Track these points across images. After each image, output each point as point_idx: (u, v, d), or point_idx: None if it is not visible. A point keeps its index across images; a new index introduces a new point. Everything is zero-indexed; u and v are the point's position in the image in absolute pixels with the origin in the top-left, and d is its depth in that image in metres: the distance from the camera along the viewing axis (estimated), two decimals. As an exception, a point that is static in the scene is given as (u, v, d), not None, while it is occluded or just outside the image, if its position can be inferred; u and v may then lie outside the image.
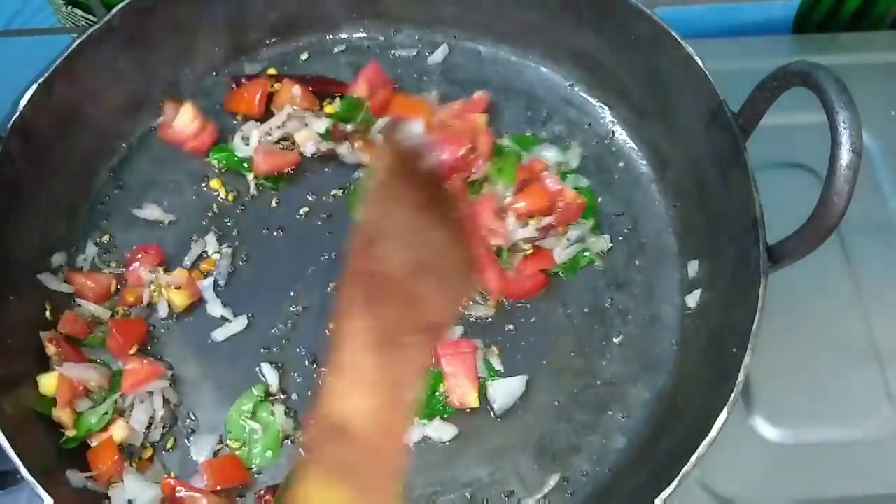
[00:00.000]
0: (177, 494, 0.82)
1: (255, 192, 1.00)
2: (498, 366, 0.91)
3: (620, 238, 0.98)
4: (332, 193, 1.00)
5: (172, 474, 0.85)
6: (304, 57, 1.10)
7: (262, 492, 0.85)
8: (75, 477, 0.82)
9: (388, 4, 1.09)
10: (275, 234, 0.98)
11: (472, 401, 0.88)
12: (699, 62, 0.90)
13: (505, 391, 0.89)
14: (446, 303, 0.61)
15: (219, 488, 0.84)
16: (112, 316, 0.92)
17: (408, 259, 0.58)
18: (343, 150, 1.01)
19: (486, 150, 0.98)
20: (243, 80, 1.05)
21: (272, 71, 1.07)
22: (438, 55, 1.09)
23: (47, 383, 0.85)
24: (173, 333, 0.93)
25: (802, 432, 0.91)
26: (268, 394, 0.89)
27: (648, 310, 0.94)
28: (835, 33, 1.20)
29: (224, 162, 1.02)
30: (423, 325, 0.58)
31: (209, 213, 0.99)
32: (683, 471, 0.74)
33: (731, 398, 0.75)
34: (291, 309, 0.93)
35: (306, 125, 1.02)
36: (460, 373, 0.88)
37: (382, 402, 0.53)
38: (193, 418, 0.88)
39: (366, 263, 0.58)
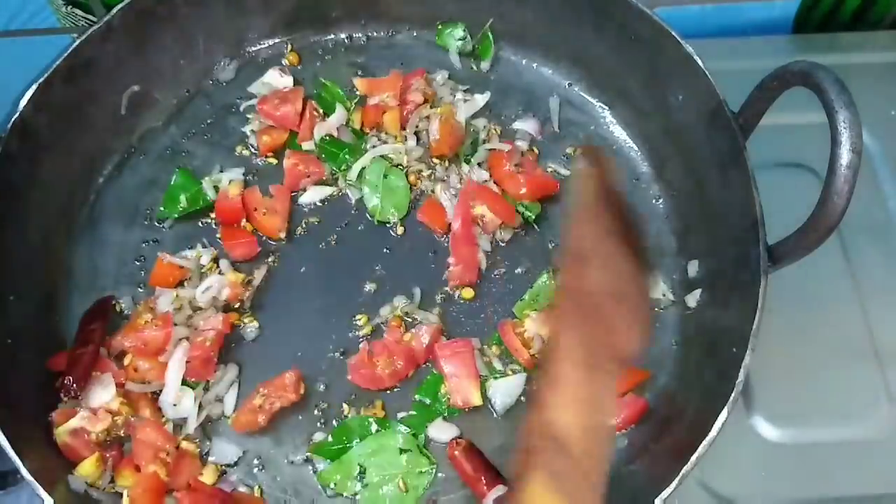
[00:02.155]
0: None
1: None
2: (498, 365, 0.91)
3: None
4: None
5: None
6: (303, 57, 1.10)
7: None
8: (76, 482, 0.82)
9: (388, 4, 1.09)
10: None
11: (476, 399, 0.88)
12: (699, 62, 0.90)
13: (505, 390, 0.89)
14: (635, 335, 0.62)
15: None
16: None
17: (609, 284, 0.60)
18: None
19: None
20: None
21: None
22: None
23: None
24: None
25: (802, 432, 0.91)
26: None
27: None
28: (835, 33, 1.20)
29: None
30: (617, 355, 0.59)
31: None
32: (683, 471, 0.74)
33: (731, 398, 0.75)
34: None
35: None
36: (461, 372, 0.89)
37: (590, 422, 0.55)
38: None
39: (575, 281, 0.60)
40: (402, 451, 0.86)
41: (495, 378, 0.90)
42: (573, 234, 0.63)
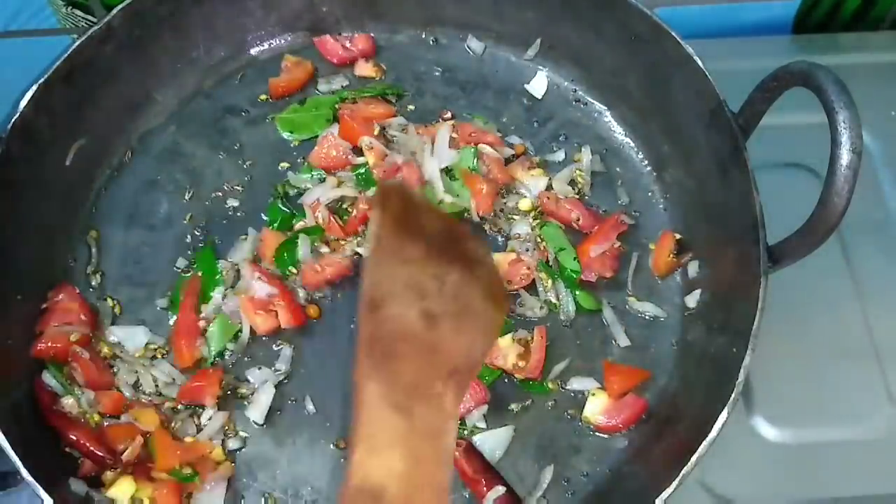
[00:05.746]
0: None
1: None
2: (480, 422, 0.88)
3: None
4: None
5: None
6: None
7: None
8: (77, 485, 0.82)
9: (388, 5, 1.09)
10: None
11: None
12: (699, 62, 0.90)
13: (493, 443, 0.87)
14: (470, 342, 0.58)
15: None
16: None
17: (418, 312, 0.56)
18: None
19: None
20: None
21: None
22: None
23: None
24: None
25: (802, 432, 0.91)
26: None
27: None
28: (835, 33, 1.20)
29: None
30: (448, 372, 0.56)
31: (213, 215, 1.00)
32: (684, 471, 0.74)
33: (731, 398, 0.76)
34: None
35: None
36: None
37: (417, 457, 0.51)
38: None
39: (374, 328, 0.55)
40: None
41: (481, 431, 0.88)
42: (368, 279, 0.57)
